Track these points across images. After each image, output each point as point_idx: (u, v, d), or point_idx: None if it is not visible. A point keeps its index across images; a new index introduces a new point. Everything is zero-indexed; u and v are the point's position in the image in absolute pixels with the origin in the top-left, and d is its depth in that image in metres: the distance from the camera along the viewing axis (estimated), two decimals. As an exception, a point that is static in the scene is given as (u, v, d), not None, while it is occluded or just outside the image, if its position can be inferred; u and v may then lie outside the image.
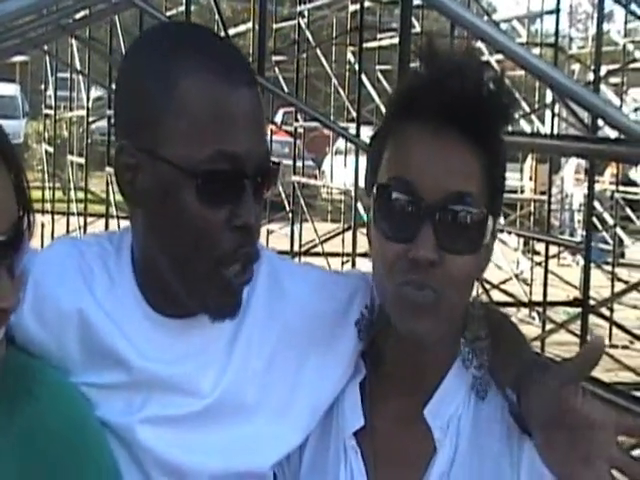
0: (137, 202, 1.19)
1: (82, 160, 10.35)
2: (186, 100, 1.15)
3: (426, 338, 1.22)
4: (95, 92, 12.51)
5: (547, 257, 7.61)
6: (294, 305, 1.28)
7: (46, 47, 10.14)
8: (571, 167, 14.13)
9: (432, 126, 1.19)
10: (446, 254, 1.18)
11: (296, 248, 8.86)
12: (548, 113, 10.06)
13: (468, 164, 1.19)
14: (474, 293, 1.29)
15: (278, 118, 16.65)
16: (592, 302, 5.27)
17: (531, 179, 12.94)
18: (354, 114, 7.46)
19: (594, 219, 8.10)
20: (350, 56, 10.68)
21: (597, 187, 9.57)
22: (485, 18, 8.33)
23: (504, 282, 8.58)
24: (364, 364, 1.30)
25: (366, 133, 5.38)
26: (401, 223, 1.19)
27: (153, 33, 1.29)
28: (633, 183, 12.98)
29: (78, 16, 7.77)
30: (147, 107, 1.16)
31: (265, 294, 1.27)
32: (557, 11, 8.77)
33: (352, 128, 6.50)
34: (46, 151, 12.32)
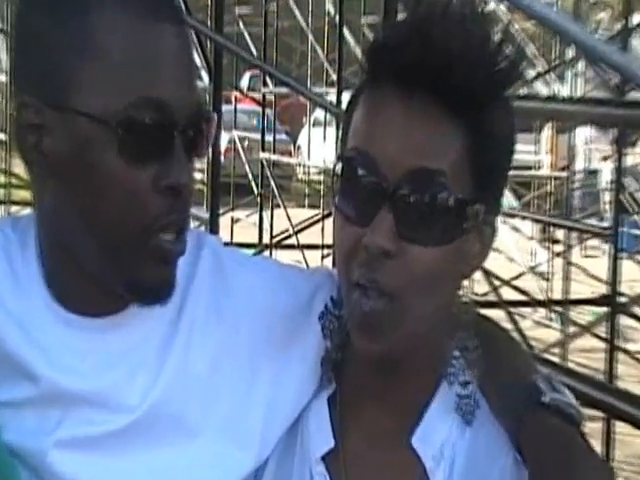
0: (45, 169, 1.19)
1: (3, 136, 10.29)
2: (100, 40, 1.15)
3: (386, 357, 1.21)
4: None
5: (569, 246, 7.66)
6: (243, 299, 1.29)
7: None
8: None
9: (403, 90, 1.17)
10: (407, 244, 1.17)
11: (266, 239, 8.86)
12: (569, 73, 10.10)
13: (443, 137, 1.17)
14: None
15: (244, 83, 16.64)
16: (622, 299, 5.31)
17: (549, 153, 13.00)
18: (334, 77, 7.46)
19: (624, 200, 8.13)
20: (329, 6, 10.68)
21: (628, 161, 9.62)
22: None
23: (517, 277, 8.65)
24: (333, 375, 1.30)
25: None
26: (360, 203, 1.19)
27: None
28: (671, 156, 13.07)
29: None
30: (53, 53, 1.17)
31: (207, 286, 1.28)
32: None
33: (332, 94, 6.50)
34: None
